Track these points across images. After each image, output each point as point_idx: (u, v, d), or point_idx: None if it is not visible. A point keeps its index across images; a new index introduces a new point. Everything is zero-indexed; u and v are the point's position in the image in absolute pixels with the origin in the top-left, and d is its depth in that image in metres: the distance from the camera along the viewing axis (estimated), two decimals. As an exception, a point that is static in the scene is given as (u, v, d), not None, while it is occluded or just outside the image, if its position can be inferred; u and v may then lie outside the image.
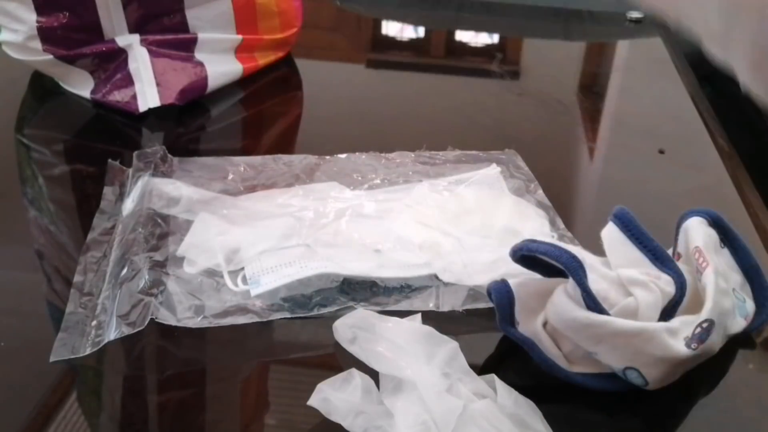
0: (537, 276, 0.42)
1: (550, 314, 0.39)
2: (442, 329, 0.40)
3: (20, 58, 0.66)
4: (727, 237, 0.43)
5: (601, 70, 0.85)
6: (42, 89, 0.69)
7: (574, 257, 0.37)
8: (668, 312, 0.38)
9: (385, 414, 0.36)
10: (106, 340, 0.40)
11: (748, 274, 0.43)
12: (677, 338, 0.37)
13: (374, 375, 0.38)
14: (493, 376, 0.38)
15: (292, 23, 0.74)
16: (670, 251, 0.43)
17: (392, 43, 0.91)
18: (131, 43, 0.65)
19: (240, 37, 0.69)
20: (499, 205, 0.52)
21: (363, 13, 0.96)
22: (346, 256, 0.46)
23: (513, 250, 0.40)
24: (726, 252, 0.43)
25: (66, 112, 0.66)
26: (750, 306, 0.43)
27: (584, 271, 0.37)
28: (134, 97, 0.64)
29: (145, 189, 0.51)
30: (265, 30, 0.71)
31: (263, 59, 0.73)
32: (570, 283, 0.38)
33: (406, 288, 0.45)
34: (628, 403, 0.39)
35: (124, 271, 0.44)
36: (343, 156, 0.58)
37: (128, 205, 0.51)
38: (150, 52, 0.65)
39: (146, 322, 0.41)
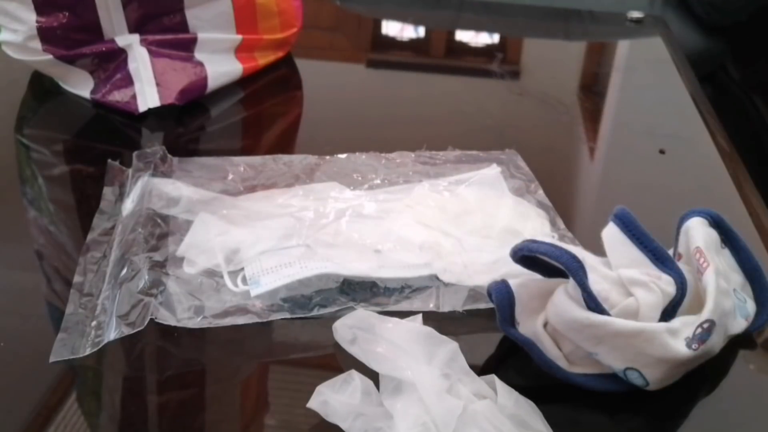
0: (537, 276, 0.42)
1: (551, 315, 0.39)
2: (443, 330, 0.40)
3: (20, 58, 0.66)
4: (728, 237, 0.43)
5: (601, 70, 0.85)
6: (42, 89, 0.69)
7: (574, 257, 0.37)
8: (669, 312, 0.38)
9: (384, 416, 0.36)
10: (105, 341, 0.40)
11: (749, 274, 0.43)
12: (678, 339, 0.37)
13: (374, 376, 0.38)
14: (494, 377, 0.38)
15: (292, 23, 0.74)
16: (670, 251, 0.43)
17: (392, 43, 0.91)
18: (131, 43, 0.65)
19: (240, 37, 0.69)
20: (499, 205, 0.52)
21: (363, 13, 0.96)
22: (346, 256, 0.46)
23: (513, 250, 0.40)
24: (727, 252, 0.43)
25: (66, 112, 0.66)
26: (751, 306, 0.43)
27: (585, 272, 0.37)
28: (134, 97, 0.64)
29: (145, 189, 0.51)
30: (265, 30, 0.71)
31: (263, 59, 0.73)
32: (570, 284, 0.38)
33: (406, 288, 0.45)
34: (628, 403, 0.39)
35: (124, 271, 0.44)
36: (343, 156, 0.58)
37: (128, 205, 0.51)
38: (150, 52, 0.65)
39: (146, 323, 0.40)
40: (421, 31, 0.92)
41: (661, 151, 0.64)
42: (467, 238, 0.49)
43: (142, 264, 0.44)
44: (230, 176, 0.55)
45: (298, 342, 0.43)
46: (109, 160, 0.55)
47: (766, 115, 1.32)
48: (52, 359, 0.40)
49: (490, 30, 0.91)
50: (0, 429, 0.37)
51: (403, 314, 0.42)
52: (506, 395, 0.37)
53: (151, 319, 0.41)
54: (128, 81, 0.64)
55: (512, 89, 0.77)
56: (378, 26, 0.94)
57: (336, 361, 0.40)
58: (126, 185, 0.53)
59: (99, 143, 0.61)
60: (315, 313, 0.44)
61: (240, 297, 0.44)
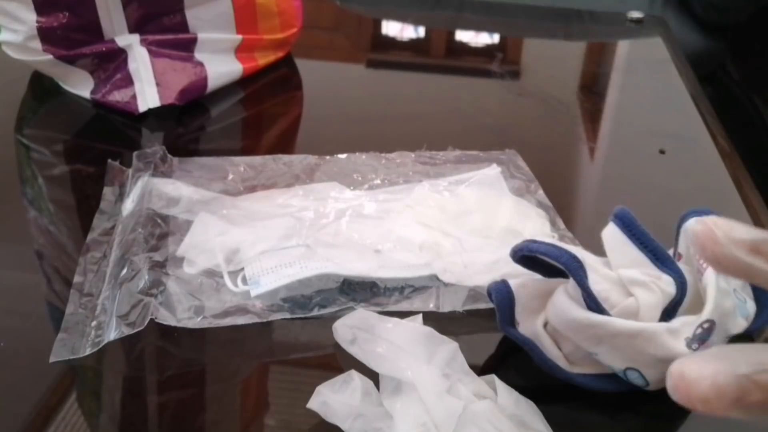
0: (537, 276, 0.42)
1: (551, 315, 0.39)
2: (443, 330, 0.40)
3: (20, 58, 0.66)
4: (728, 237, 0.43)
5: (601, 70, 0.85)
6: (42, 89, 0.69)
7: (574, 257, 0.37)
8: (669, 312, 0.38)
9: (384, 416, 0.36)
10: (105, 341, 0.40)
11: (749, 274, 0.43)
12: (678, 339, 0.37)
13: (374, 376, 0.38)
14: (494, 377, 0.38)
15: (292, 23, 0.74)
16: (670, 251, 0.43)
17: (392, 43, 0.91)
18: (131, 43, 0.65)
19: (240, 37, 0.69)
20: (499, 205, 0.52)
21: (363, 13, 0.96)
22: (346, 256, 0.46)
23: (513, 250, 0.40)
24: (727, 252, 0.43)
25: (66, 112, 0.66)
26: (751, 306, 0.42)
27: (585, 272, 0.37)
28: (134, 97, 0.64)
29: (145, 189, 0.51)
30: (265, 30, 0.71)
31: (263, 59, 0.73)
32: (571, 284, 0.38)
33: (406, 288, 0.45)
34: (628, 403, 0.39)
35: (124, 271, 0.44)
36: (343, 156, 0.58)
37: (128, 205, 0.51)
38: (150, 52, 0.65)
39: (146, 323, 0.40)
40: (421, 31, 0.92)
41: (661, 151, 0.64)
42: (467, 238, 0.49)
43: (142, 264, 0.44)
44: (230, 176, 0.55)
45: (298, 342, 0.43)
46: (109, 160, 0.55)
47: (766, 115, 1.32)
48: (52, 359, 0.40)
49: (490, 30, 0.91)
50: (0, 429, 0.37)
51: (403, 314, 0.42)
52: (506, 395, 0.37)
53: (151, 319, 0.41)
54: (128, 81, 0.64)
55: (512, 89, 0.77)
56: (378, 26, 0.94)
57: (336, 361, 0.40)
58: (126, 185, 0.53)
59: (99, 143, 0.62)
60: (315, 313, 0.44)
61: (240, 297, 0.44)
